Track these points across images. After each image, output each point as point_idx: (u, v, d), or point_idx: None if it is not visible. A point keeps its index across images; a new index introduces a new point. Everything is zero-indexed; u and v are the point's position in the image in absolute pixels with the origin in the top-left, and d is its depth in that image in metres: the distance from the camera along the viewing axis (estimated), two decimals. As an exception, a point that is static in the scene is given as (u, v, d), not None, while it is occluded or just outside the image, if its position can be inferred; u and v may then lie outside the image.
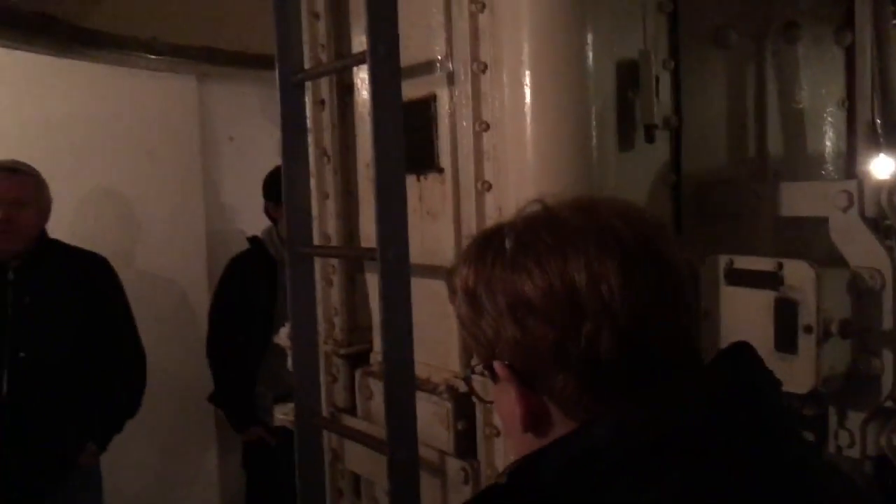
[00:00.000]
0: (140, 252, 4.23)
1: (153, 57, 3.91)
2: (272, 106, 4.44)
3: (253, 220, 4.25)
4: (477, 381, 1.12)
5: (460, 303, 1.00)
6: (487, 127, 1.78)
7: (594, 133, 1.64)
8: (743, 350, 0.96)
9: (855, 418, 1.64)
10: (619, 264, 0.90)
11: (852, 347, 1.58)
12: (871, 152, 1.86)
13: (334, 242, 2.39)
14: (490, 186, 1.80)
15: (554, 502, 0.85)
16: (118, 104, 4.08)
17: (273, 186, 3.75)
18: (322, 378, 2.38)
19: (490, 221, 1.81)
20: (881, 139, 1.88)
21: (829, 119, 2.09)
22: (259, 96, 4.51)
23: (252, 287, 3.81)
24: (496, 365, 0.96)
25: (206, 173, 4.46)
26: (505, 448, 1.83)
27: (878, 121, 1.88)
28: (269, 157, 4.38)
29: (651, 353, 0.91)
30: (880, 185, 1.59)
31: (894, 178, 1.59)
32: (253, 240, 3.96)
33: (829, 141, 2.09)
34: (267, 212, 3.95)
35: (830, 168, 2.09)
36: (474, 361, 1.05)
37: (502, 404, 1.00)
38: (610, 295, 0.89)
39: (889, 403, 1.61)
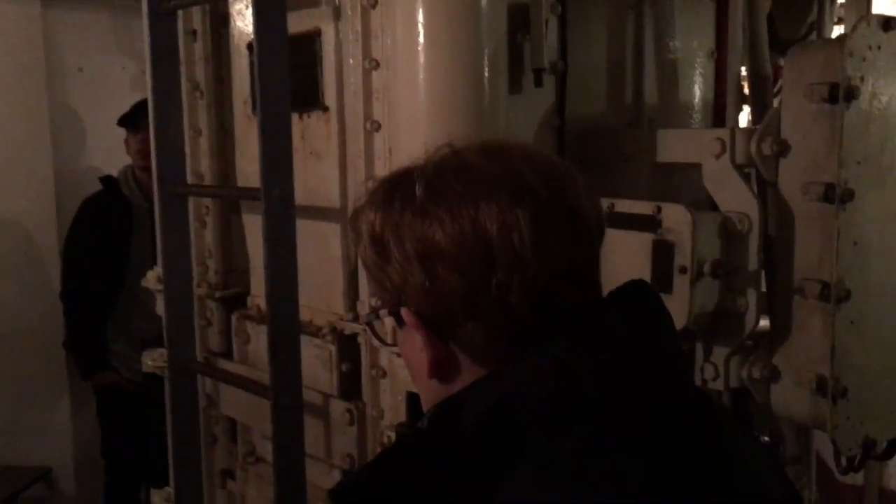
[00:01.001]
0: (-20, 190, 3.91)
1: (-7, -24, 3.57)
2: (125, 36, 4.23)
3: (106, 157, 4.02)
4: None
5: (365, 247, 0.97)
6: (377, 65, 1.74)
7: (486, 74, 1.64)
8: (645, 291, 0.98)
9: (719, 353, 1.75)
10: (530, 214, 0.89)
11: (720, 287, 1.68)
12: (738, 103, 1.96)
13: (207, 181, 2.30)
14: (379, 126, 1.77)
15: (474, 448, 0.86)
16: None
17: (133, 114, 3.57)
18: (195, 322, 2.31)
19: (379, 162, 1.79)
20: (748, 90, 1.99)
21: (699, 69, 2.18)
22: (111, 25, 4.22)
23: (105, 230, 3.66)
24: (403, 312, 0.94)
25: (53, 107, 4.14)
26: (392, 390, 1.84)
27: (746, 73, 1.98)
28: (123, 90, 4.16)
29: (559, 302, 0.92)
30: (750, 134, 1.68)
31: (763, 127, 1.67)
32: (106, 180, 3.75)
33: (699, 90, 2.18)
34: (127, 144, 3.75)
35: (699, 117, 2.19)
36: (377, 304, 1.03)
37: (408, 350, 0.99)
38: (521, 245, 0.88)
39: (749, 341, 1.73)
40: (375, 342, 1.79)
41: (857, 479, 4.19)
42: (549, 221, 0.90)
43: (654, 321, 0.96)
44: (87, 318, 3.73)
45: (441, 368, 0.94)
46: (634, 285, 0.99)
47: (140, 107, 3.55)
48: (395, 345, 1.06)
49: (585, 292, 0.96)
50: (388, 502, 0.91)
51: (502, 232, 0.88)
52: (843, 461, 1.80)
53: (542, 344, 0.89)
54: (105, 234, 3.66)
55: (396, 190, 0.95)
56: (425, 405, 1.00)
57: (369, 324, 1.12)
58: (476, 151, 0.96)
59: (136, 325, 3.68)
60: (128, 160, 3.77)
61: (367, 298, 1.88)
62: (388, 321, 1.01)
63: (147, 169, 3.60)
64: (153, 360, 2.38)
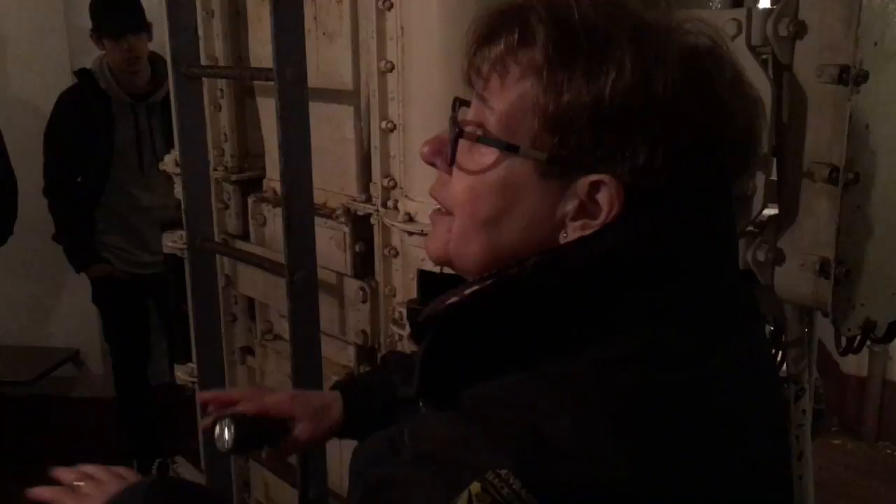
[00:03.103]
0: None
1: None
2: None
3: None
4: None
5: (604, 95, 0.78)
6: (390, -59, 1.71)
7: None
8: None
9: (726, 236, 1.77)
10: None
11: (730, 170, 1.69)
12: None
13: (222, 64, 2.29)
14: (391, 5, 1.75)
15: (569, 296, 0.82)
16: None
17: (108, 20, 3.53)
18: (213, 205, 2.35)
19: (391, 42, 1.78)
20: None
21: (718, -51, 2.12)
22: None
23: (85, 123, 3.63)
24: (609, 180, 0.80)
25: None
26: (404, 268, 1.88)
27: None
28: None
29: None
30: (767, 15, 1.65)
31: (780, 8, 1.64)
32: (81, 73, 3.71)
33: (718, -29, 2.12)
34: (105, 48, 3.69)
35: None
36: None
37: (531, 199, 0.84)
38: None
39: (755, 228, 1.75)
40: (398, 221, 1.80)
41: (862, 370, 4.29)
42: None
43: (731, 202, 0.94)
44: (72, 212, 3.74)
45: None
46: None
47: (109, 9, 3.48)
48: (478, 172, 0.86)
49: None
50: (475, 335, 0.85)
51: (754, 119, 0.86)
52: (843, 342, 1.84)
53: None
54: (85, 127, 3.63)
55: (656, 42, 0.79)
56: (492, 258, 0.87)
57: (457, 139, 0.87)
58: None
59: (126, 217, 3.73)
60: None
61: (379, 180, 1.91)
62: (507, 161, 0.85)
63: (134, 73, 3.59)
64: (173, 241, 2.44)
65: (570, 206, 0.83)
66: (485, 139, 0.85)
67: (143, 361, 3.93)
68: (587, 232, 0.82)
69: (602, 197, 0.81)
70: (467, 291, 0.85)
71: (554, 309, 0.82)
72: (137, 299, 3.83)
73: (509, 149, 0.83)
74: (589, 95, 0.79)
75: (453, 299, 0.86)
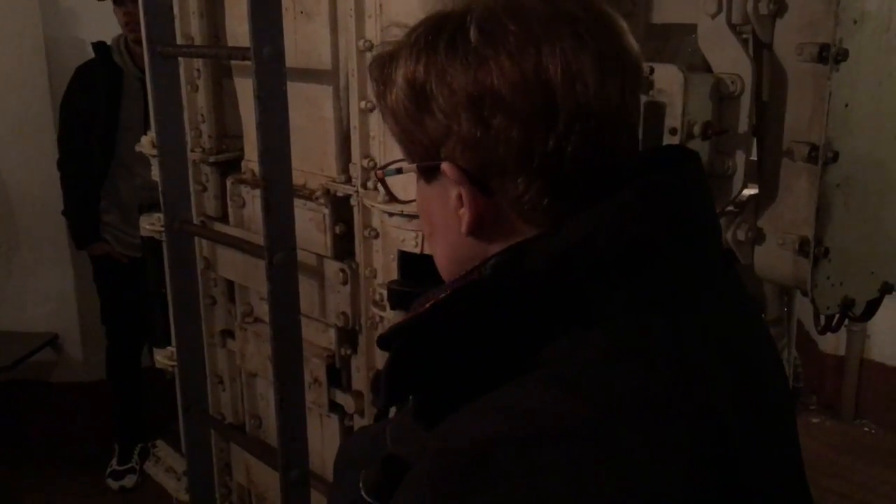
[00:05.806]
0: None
1: None
2: None
3: (96, 25, 3.95)
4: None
5: (398, 97, 0.90)
6: (367, -83, 1.69)
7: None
8: (694, 158, 0.96)
9: (706, 216, 1.77)
10: (593, 62, 0.84)
11: (710, 149, 1.69)
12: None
13: (198, 43, 2.26)
14: (370, -18, 1.73)
15: (536, 296, 0.83)
16: None
17: None
18: (191, 187, 2.33)
19: (370, 20, 1.76)
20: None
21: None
22: None
23: (96, 97, 3.66)
24: (445, 165, 0.88)
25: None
26: (384, 249, 1.87)
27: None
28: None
29: (614, 157, 0.88)
30: (747, -8, 1.65)
31: (760, -14, 1.64)
32: (98, 46, 3.70)
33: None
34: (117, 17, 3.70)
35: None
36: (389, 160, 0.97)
37: (436, 207, 0.93)
38: (585, 95, 0.84)
39: (734, 203, 1.75)
40: (379, 200, 1.80)
41: (840, 348, 4.33)
42: (608, 66, 0.85)
43: (704, 182, 0.95)
44: (81, 186, 3.77)
45: (484, 225, 0.89)
46: (682, 148, 0.98)
47: None
48: (406, 202, 1.03)
49: (634, 143, 0.93)
50: (439, 349, 0.87)
51: (566, 79, 0.83)
52: (822, 321, 1.86)
53: (597, 197, 0.85)
54: (95, 101, 3.65)
55: (441, 34, 0.88)
56: (449, 265, 0.96)
57: (382, 180, 1.03)
58: None
59: (127, 195, 3.72)
60: (118, 29, 3.71)
61: (358, 160, 1.90)
62: (403, 178, 0.97)
63: (138, 41, 3.57)
64: (151, 224, 2.42)
65: (453, 197, 0.90)
66: (387, 170, 0.99)
67: (138, 346, 3.92)
68: (464, 218, 0.89)
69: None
70: (428, 304, 0.88)
71: (517, 310, 0.84)
72: (135, 283, 3.81)
73: (399, 172, 0.96)
74: (393, 97, 0.91)
75: (414, 311, 0.89)
